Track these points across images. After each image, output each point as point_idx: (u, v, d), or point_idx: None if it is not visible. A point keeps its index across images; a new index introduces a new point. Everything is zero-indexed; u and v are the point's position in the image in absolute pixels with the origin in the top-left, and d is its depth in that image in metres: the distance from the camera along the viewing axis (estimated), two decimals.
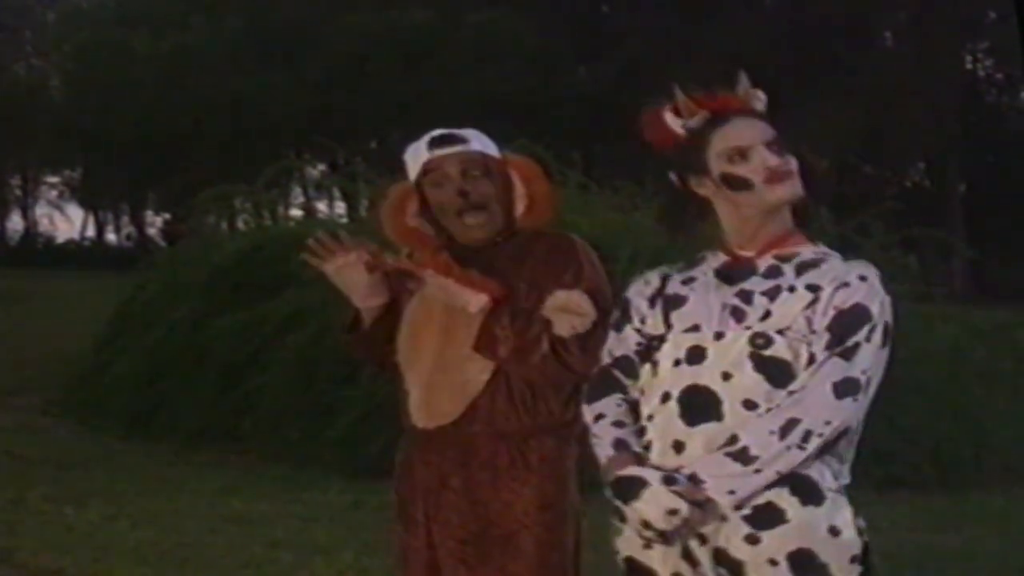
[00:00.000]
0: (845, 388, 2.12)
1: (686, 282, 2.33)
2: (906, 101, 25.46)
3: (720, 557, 2.17)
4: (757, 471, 2.10)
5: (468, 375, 2.66)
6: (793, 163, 2.26)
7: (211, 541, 5.51)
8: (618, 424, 2.29)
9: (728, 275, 2.28)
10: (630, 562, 2.28)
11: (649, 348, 2.31)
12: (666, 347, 2.27)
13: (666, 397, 2.23)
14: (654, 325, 2.31)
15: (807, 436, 2.10)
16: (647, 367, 2.31)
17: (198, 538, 5.56)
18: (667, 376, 2.25)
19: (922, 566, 5.43)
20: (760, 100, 2.31)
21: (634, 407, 2.30)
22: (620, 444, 2.26)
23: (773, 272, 2.24)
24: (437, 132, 2.76)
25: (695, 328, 2.25)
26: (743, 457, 2.11)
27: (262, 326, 8.30)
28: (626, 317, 2.38)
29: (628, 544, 2.26)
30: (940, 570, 5.43)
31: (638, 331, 2.34)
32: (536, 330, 2.59)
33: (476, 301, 2.60)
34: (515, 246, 2.72)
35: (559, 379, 2.62)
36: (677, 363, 2.24)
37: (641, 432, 2.26)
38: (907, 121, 25.89)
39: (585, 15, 28.83)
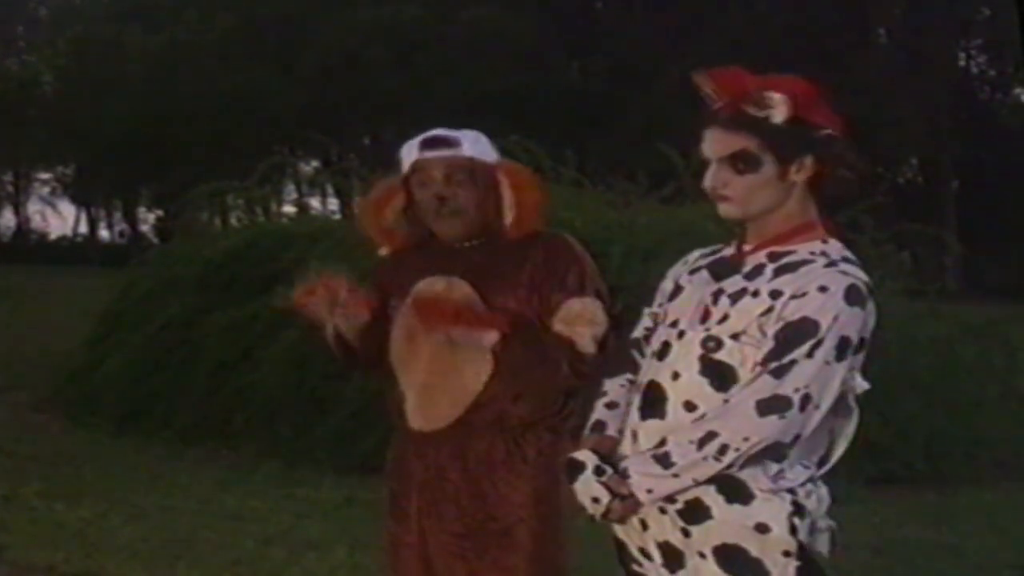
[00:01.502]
0: (769, 406, 2.11)
1: (693, 272, 2.35)
2: (899, 98, 25.52)
3: (661, 545, 2.25)
4: (675, 476, 2.15)
5: (466, 379, 2.67)
6: (736, 185, 2.21)
7: (203, 537, 5.50)
8: (609, 404, 2.36)
9: (716, 271, 2.29)
10: (614, 536, 2.38)
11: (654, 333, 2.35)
12: (654, 337, 2.33)
13: (639, 388, 2.30)
14: (661, 312, 2.36)
15: (724, 449, 2.13)
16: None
17: (190, 534, 5.55)
18: (646, 367, 2.32)
19: (913, 561, 5.44)
20: (767, 109, 2.19)
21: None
22: (596, 425, 2.35)
23: (754, 272, 2.24)
24: (432, 133, 2.77)
25: (674, 323, 2.28)
26: (664, 461, 2.16)
27: (255, 323, 8.28)
28: (651, 299, 2.42)
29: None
30: (931, 565, 5.44)
31: (653, 315, 2.39)
32: (552, 353, 2.62)
33: (487, 340, 2.63)
34: (513, 249, 2.73)
35: (577, 386, 2.65)
36: (652, 355, 2.30)
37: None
38: (900, 118, 25.94)
39: (578, 11, 28.83)
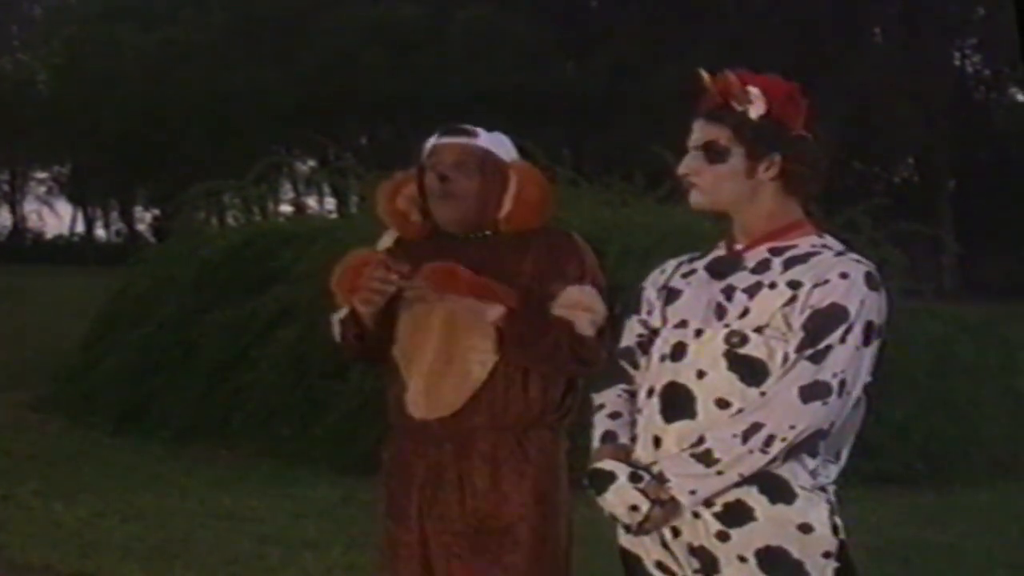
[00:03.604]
0: (812, 392, 2.11)
1: (687, 275, 2.34)
2: (895, 98, 25.53)
3: (695, 551, 2.20)
4: (719, 473, 2.12)
5: (470, 366, 2.68)
6: (706, 174, 2.24)
7: (200, 537, 5.51)
8: (613, 415, 2.33)
9: (718, 269, 2.29)
10: (622, 549, 2.34)
11: (651, 340, 2.33)
12: (658, 341, 2.31)
13: (651, 392, 2.27)
14: (656, 317, 2.34)
15: (770, 440, 2.11)
16: (646, 359, 2.34)
17: (187, 534, 5.55)
18: (654, 370, 2.28)
19: (910, 561, 5.45)
20: (745, 104, 2.23)
21: (635, 397, 2.34)
22: (607, 436, 2.31)
23: (761, 267, 2.23)
24: (452, 124, 2.82)
25: (683, 324, 2.27)
26: (706, 459, 2.13)
27: (251, 322, 8.28)
28: (636, 307, 2.41)
29: (620, 533, 2.31)
30: (928, 565, 5.45)
31: (643, 322, 2.37)
32: (555, 333, 2.62)
33: (493, 313, 2.63)
34: (515, 239, 2.75)
35: (578, 374, 2.66)
36: (663, 358, 2.27)
37: (635, 423, 2.30)
38: (896, 118, 25.96)
39: (575, 11, 28.83)
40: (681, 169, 2.28)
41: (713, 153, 2.24)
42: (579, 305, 2.62)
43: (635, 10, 26.44)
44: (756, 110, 2.23)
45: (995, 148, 28.51)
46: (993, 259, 26.07)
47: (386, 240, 2.90)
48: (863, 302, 2.15)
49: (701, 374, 2.19)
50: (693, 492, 2.14)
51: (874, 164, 31.22)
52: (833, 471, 2.20)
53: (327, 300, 2.88)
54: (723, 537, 2.16)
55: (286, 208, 14.91)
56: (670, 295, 2.33)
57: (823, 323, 2.13)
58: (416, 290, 2.66)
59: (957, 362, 8.34)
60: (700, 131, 2.27)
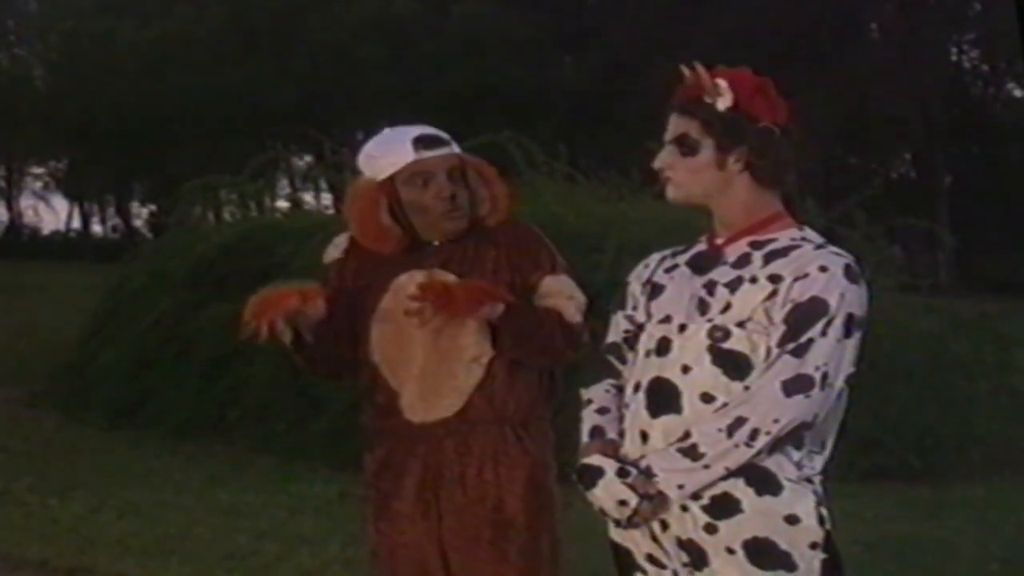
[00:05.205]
0: (795, 386, 2.13)
1: (669, 270, 2.36)
2: (892, 93, 25.54)
3: (683, 544, 2.22)
4: (706, 467, 2.14)
5: (468, 365, 2.69)
6: (679, 167, 2.26)
7: (196, 532, 5.51)
8: (601, 411, 2.35)
9: (699, 264, 2.31)
10: (613, 543, 2.36)
11: (637, 335, 2.35)
12: (643, 336, 2.33)
13: (637, 387, 2.29)
14: (640, 312, 2.36)
15: (754, 434, 2.13)
16: (632, 354, 2.35)
17: (183, 529, 5.55)
18: (640, 366, 2.30)
19: (905, 556, 5.46)
20: (715, 96, 2.24)
21: (622, 392, 2.35)
22: (595, 431, 2.33)
23: (742, 261, 2.25)
24: (421, 132, 2.77)
25: (667, 319, 2.28)
26: (692, 453, 2.15)
27: None
28: (621, 302, 2.42)
29: (611, 527, 2.32)
30: (922, 560, 5.45)
31: (629, 317, 2.39)
32: (548, 324, 2.67)
33: (494, 311, 2.65)
34: (479, 237, 2.77)
35: (570, 361, 2.71)
36: (648, 354, 2.29)
37: (622, 418, 2.32)
38: (893, 113, 25.99)
39: (571, 6, 28.80)
40: (656, 163, 2.30)
41: (685, 146, 2.26)
42: (562, 294, 2.69)
43: (632, 5, 26.41)
44: (724, 102, 2.24)
45: (992, 143, 28.55)
46: (990, 255, 26.08)
47: (332, 252, 2.86)
48: (843, 295, 2.16)
49: (686, 369, 2.21)
50: (681, 486, 2.16)
51: (871, 159, 31.25)
52: (818, 462, 2.22)
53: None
54: (711, 529, 2.18)
55: (283, 203, 14.90)
56: (653, 290, 2.35)
57: (804, 317, 2.15)
58: (419, 314, 2.61)
59: (952, 358, 8.35)
60: (673, 124, 2.29)
